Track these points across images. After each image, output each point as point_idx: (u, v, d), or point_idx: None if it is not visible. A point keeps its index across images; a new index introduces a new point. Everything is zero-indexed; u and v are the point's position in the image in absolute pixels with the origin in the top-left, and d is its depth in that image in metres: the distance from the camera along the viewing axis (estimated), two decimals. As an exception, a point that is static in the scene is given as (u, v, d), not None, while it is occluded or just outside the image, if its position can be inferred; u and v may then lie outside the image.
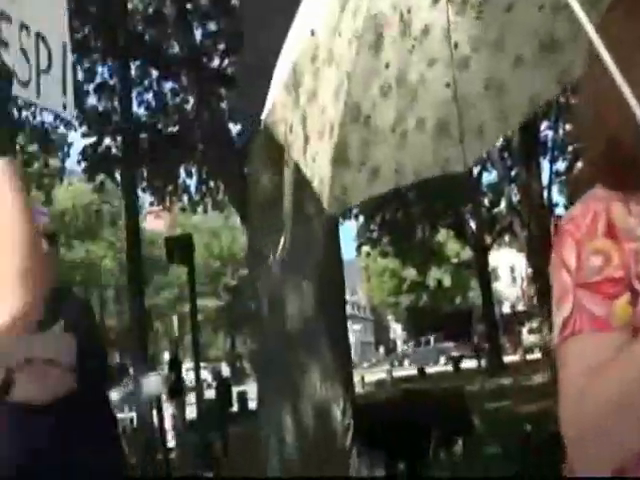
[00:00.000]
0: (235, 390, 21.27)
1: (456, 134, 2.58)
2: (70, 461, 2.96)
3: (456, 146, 2.60)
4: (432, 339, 56.00)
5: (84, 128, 15.09)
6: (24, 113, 14.42)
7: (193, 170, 16.33)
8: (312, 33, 2.16)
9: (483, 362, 33.55)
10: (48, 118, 16.37)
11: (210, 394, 17.94)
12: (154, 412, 10.08)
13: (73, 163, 15.91)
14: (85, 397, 3.03)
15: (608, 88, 1.44)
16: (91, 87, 14.71)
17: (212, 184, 16.29)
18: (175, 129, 15.69)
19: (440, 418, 8.41)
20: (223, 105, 14.23)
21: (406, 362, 49.93)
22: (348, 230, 78.07)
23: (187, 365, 22.61)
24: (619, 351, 1.33)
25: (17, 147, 14.20)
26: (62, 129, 15.59)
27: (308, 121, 2.33)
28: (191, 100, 15.03)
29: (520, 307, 55.63)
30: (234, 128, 13.60)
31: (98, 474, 3.04)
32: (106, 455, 3.16)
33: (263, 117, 2.36)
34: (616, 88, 1.41)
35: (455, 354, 45.44)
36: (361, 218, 26.64)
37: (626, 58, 1.43)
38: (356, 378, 28.91)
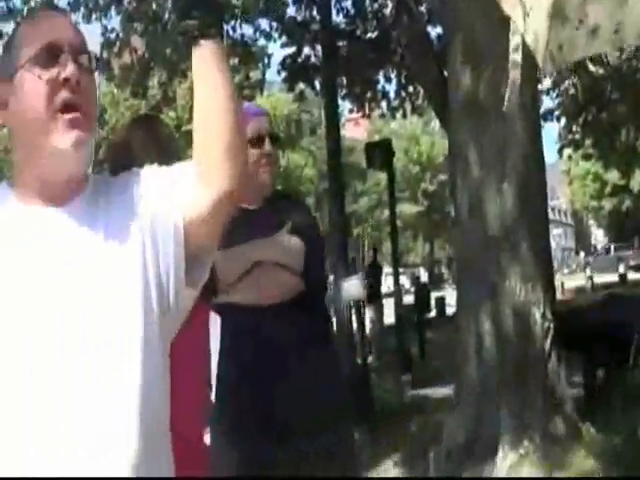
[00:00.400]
0: (433, 295, 21.41)
1: None
2: (295, 363, 3.02)
3: None
4: (612, 247, 55.04)
5: (283, 38, 15.26)
6: (224, 27, 14.69)
7: (392, 75, 16.25)
8: None
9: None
10: (248, 31, 16.58)
11: (408, 299, 18.13)
12: (353, 316, 10.29)
13: (273, 74, 16.11)
14: (309, 301, 3.12)
15: None
16: (290, -3, 14.82)
17: (411, 89, 16.18)
18: (374, 35, 15.61)
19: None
20: (422, 8, 14.02)
21: (588, 270, 48.75)
22: (549, 132, 76.37)
23: (386, 270, 22.88)
24: None
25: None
26: (262, 41, 15.80)
27: None
28: (389, 4, 14.87)
29: None
30: (433, 31, 13.42)
31: (320, 378, 3.09)
32: (327, 359, 3.21)
33: None
34: None
35: (634, 263, 44.41)
36: (563, 120, 25.74)
37: None
38: (556, 284, 28.41)
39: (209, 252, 1.78)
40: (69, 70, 1.64)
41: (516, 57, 2.53)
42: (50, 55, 1.65)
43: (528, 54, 2.53)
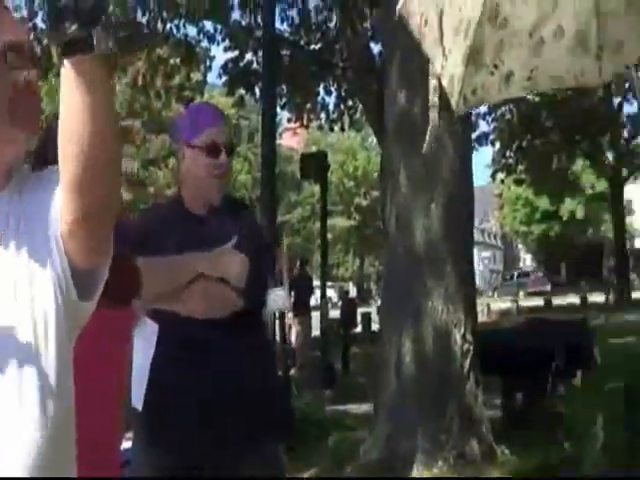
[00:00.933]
0: (360, 311, 21.48)
1: (594, 47, 2.48)
2: (234, 380, 2.99)
3: (593, 60, 2.50)
4: (515, 274, 59.48)
5: (226, 42, 15.23)
6: (168, 25, 14.61)
7: (332, 88, 16.34)
8: None
9: (611, 297, 32.79)
10: (192, 31, 16.49)
11: (336, 313, 18.17)
12: (277, 329, 10.29)
13: (214, 77, 16.04)
14: (247, 316, 3.06)
15: None
16: (236, 1, 14.78)
17: (350, 103, 16.28)
18: (317, 46, 15.67)
19: (561, 349, 8.34)
20: (366, 24, 14.12)
21: (496, 294, 51.22)
22: (484, 156, 78.33)
23: (316, 283, 22.96)
24: None
25: (154, 57, 14.42)
26: (205, 43, 15.74)
27: (445, 17, 2.30)
28: (334, 17, 14.94)
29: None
30: (376, 48, 13.53)
31: (261, 392, 3.07)
32: (267, 374, 3.19)
33: (399, 7, 2.36)
34: None
35: (532, 290, 47.49)
36: (497, 144, 26.24)
37: None
38: (482, 306, 28.89)
39: (95, 268, 1.67)
40: (32, 73, 1.64)
41: (435, 99, 2.56)
42: (10, 53, 1.62)
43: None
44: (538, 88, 2.58)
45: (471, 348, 6.80)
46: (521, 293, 46.11)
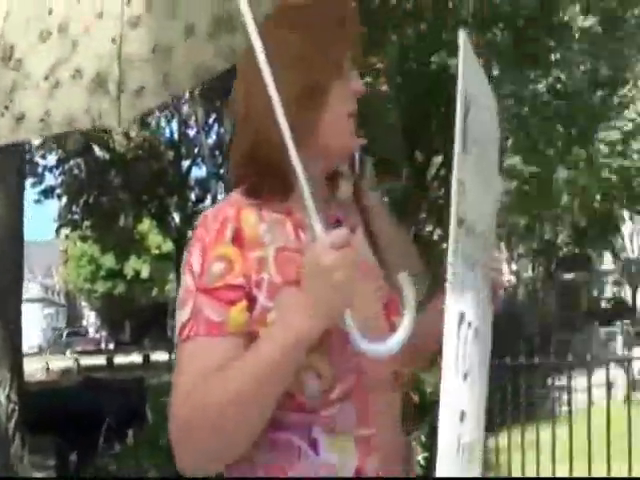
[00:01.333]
0: None
1: (114, 90, 2.53)
2: None
3: (113, 102, 2.55)
4: (65, 333, 59.73)
5: None
6: None
7: None
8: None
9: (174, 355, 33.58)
10: None
11: None
12: None
13: None
14: None
15: (258, 89, 1.45)
16: None
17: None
18: None
19: (114, 409, 8.43)
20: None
21: (48, 352, 50.81)
22: (50, 210, 76.34)
23: None
24: (234, 356, 1.36)
25: None
26: None
27: None
28: None
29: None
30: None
31: None
32: None
33: None
34: (265, 91, 1.41)
35: (82, 349, 48.16)
36: (64, 199, 25.90)
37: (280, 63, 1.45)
38: (41, 364, 27.96)
39: None
40: None
41: None
42: None
43: None
44: (53, 130, 2.57)
45: (17, 408, 6.61)
46: (68, 352, 45.80)
